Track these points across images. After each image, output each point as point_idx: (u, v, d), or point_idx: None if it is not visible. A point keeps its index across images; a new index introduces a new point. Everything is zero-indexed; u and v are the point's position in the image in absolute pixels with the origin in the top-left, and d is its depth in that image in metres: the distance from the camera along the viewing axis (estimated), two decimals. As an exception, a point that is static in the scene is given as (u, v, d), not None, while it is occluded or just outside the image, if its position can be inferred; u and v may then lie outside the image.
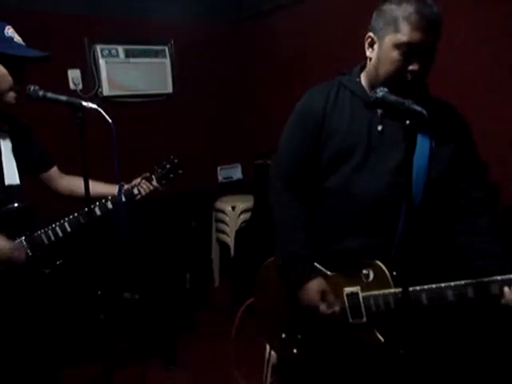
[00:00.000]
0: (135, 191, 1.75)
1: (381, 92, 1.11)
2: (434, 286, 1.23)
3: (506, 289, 1.16)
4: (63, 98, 1.34)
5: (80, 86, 3.07)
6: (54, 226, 1.67)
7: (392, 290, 1.27)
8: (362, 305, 1.31)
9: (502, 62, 2.14)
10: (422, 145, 1.26)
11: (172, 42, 3.44)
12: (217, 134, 3.77)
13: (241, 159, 3.90)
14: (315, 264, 1.40)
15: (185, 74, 3.52)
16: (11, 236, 1.59)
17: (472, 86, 2.23)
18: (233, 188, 3.80)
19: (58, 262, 1.69)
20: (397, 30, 1.18)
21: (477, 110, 2.10)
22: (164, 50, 3.41)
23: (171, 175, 1.81)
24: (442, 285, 1.22)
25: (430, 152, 1.26)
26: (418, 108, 0.99)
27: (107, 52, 3.12)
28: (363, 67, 1.35)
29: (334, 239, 1.36)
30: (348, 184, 1.31)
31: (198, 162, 3.61)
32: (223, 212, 3.46)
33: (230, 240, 3.41)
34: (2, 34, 1.43)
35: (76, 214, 1.69)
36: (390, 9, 1.21)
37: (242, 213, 3.40)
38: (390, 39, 1.20)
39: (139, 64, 3.27)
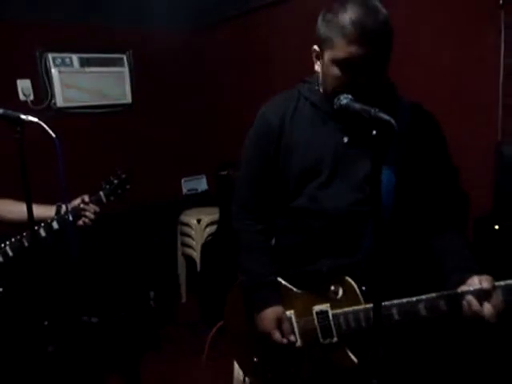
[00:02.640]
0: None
1: (345, 99, 1.02)
2: (404, 300, 1.16)
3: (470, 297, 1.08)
4: None
5: (31, 97, 2.89)
6: None
7: (362, 307, 1.20)
8: (332, 323, 1.23)
9: (467, 64, 2.13)
10: (392, 152, 1.18)
11: (131, 50, 3.31)
12: (180, 144, 3.67)
13: (206, 170, 3.80)
14: (281, 281, 1.33)
15: (144, 84, 3.40)
16: None
17: (440, 90, 2.21)
18: (198, 200, 3.69)
19: None
20: (333, 46, 1.07)
21: (447, 115, 2.10)
22: (122, 59, 3.28)
23: (119, 191, 1.76)
24: (414, 298, 1.15)
25: (399, 160, 1.20)
26: (386, 117, 0.91)
27: (60, 61, 2.96)
28: None
29: (306, 260, 1.28)
30: (316, 201, 1.22)
31: (160, 175, 3.50)
32: (188, 225, 3.34)
33: (196, 254, 3.29)
34: None
35: (19, 237, 1.57)
36: (328, 20, 1.09)
37: (207, 226, 3.29)
38: (328, 55, 1.10)
39: (95, 73, 3.13)
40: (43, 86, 2.94)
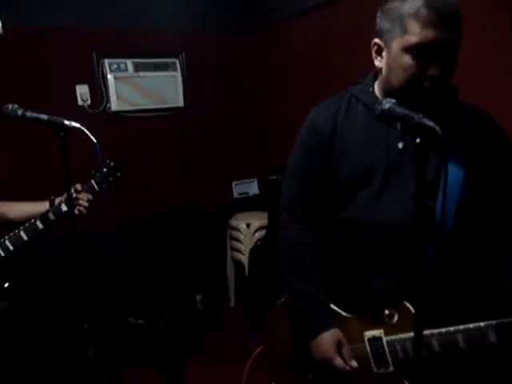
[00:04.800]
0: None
1: (387, 103, 0.92)
2: (471, 325, 1.04)
3: None
4: (44, 116, 1.25)
5: (88, 102, 2.98)
6: None
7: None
8: (387, 351, 1.12)
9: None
10: (456, 160, 1.07)
11: (183, 54, 3.33)
12: (231, 147, 3.64)
13: (257, 174, 3.74)
14: (331, 306, 1.23)
15: (197, 87, 3.40)
16: None
17: (494, 88, 1.99)
18: (249, 204, 3.65)
19: (5, 285, 1.62)
20: (405, 31, 1.00)
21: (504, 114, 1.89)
22: (175, 63, 3.30)
23: (110, 178, 1.84)
24: (482, 324, 1.02)
25: (464, 168, 1.08)
26: (430, 123, 0.83)
27: (116, 66, 3.03)
28: (377, 75, 1.17)
29: (357, 279, 1.17)
30: (368, 212, 1.12)
31: (211, 178, 3.50)
32: (237, 229, 3.31)
33: (245, 259, 3.25)
34: None
35: (17, 231, 1.63)
36: (395, 7, 1.02)
37: (256, 230, 3.24)
38: (398, 43, 1.02)
39: (149, 78, 3.17)
40: (99, 91, 3.02)
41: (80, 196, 1.68)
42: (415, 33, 0.98)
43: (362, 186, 1.12)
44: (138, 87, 3.14)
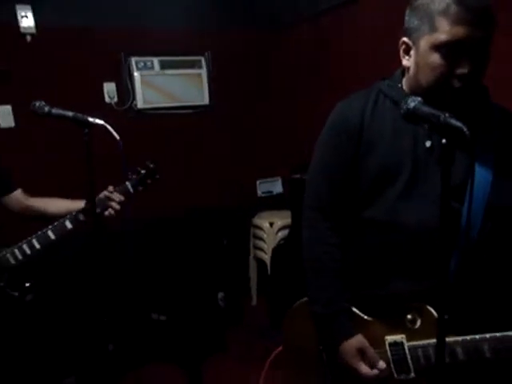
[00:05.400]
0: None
1: (412, 102, 0.89)
2: (477, 337, 1.00)
3: None
4: (69, 113, 1.28)
5: (115, 99, 3.03)
6: (20, 244, 1.61)
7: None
8: (409, 357, 1.08)
9: None
10: (485, 162, 1.03)
11: (209, 52, 3.34)
12: (256, 146, 3.63)
13: (282, 172, 3.72)
14: (352, 309, 1.20)
15: (222, 85, 3.41)
16: None
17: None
18: (273, 203, 3.63)
19: (27, 284, 1.62)
20: (433, 29, 0.97)
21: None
22: (200, 61, 3.31)
23: (148, 181, 1.79)
24: (487, 335, 0.99)
25: (493, 171, 1.03)
26: (458, 123, 0.80)
27: (142, 64, 3.07)
28: (404, 71, 1.13)
29: (377, 281, 1.14)
30: (393, 213, 1.08)
31: (236, 176, 3.50)
32: (260, 228, 3.30)
33: (267, 258, 3.24)
34: None
35: (44, 230, 1.62)
36: (423, 4, 0.99)
37: (280, 230, 3.22)
38: (426, 41, 0.99)
39: (175, 76, 3.19)
40: (126, 89, 3.07)
41: (111, 196, 1.66)
42: (444, 30, 0.95)
43: (388, 182, 1.09)
44: (164, 85, 3.17)
